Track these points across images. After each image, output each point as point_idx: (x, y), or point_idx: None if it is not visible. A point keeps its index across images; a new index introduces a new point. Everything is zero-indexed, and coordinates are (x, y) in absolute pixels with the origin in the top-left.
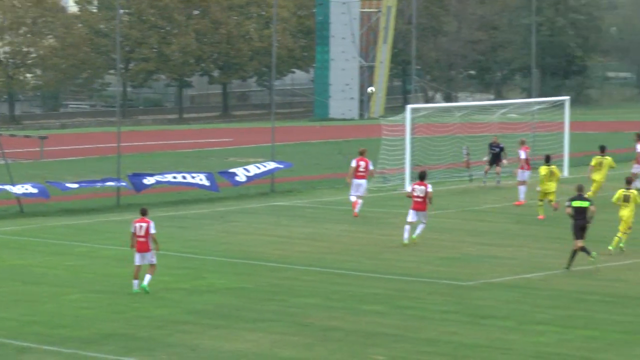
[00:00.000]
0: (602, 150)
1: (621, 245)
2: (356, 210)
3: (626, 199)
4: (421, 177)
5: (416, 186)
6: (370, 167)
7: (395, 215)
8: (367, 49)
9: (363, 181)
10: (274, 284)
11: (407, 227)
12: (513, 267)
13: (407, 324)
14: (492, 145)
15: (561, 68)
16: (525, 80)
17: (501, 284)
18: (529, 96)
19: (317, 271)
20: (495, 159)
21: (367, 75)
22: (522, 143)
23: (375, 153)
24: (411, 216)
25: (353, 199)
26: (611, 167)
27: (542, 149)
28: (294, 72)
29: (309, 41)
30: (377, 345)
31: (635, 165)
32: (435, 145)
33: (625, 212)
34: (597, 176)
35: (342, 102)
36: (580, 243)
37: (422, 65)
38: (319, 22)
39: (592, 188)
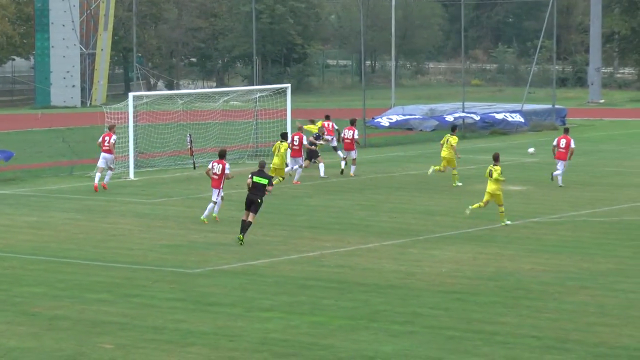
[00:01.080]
0: (453, 129)
1: (504, 222)
2: (96, 182)
3: (490, 174)
4: (221, 156)
5: (215, 164)
6: (112, 141)
7: (120, 203)
8: (88, 37)
9: (109, 155)
10: None
11: (210, 205)
12: (239, 254)
13: (133, 312)
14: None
15: (282, 56)
16: (247, 68)
17: (227, 271)
18: (251, 84)
19: (42, 260)
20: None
21: (88, 62)
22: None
23: None
24: (214, 195)
25: (97, 174)
26: (452, 146)
27: (264, 137)
28: (14, 60)
29: (29, 28)
30: (104, 334)
31: (339, 152)
32: (159, 133)
33: (492, 187)
34: (445, 153)
35: (63, 90)
36: (248, 217)
37: (143, 52)
38: (38, 9)
39: (442, 164)
